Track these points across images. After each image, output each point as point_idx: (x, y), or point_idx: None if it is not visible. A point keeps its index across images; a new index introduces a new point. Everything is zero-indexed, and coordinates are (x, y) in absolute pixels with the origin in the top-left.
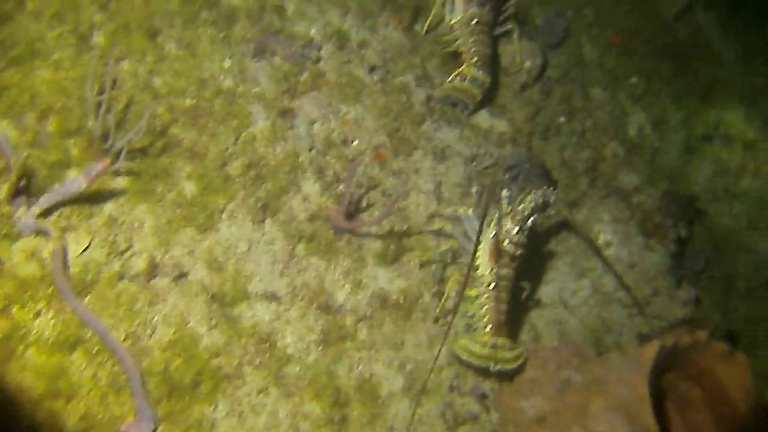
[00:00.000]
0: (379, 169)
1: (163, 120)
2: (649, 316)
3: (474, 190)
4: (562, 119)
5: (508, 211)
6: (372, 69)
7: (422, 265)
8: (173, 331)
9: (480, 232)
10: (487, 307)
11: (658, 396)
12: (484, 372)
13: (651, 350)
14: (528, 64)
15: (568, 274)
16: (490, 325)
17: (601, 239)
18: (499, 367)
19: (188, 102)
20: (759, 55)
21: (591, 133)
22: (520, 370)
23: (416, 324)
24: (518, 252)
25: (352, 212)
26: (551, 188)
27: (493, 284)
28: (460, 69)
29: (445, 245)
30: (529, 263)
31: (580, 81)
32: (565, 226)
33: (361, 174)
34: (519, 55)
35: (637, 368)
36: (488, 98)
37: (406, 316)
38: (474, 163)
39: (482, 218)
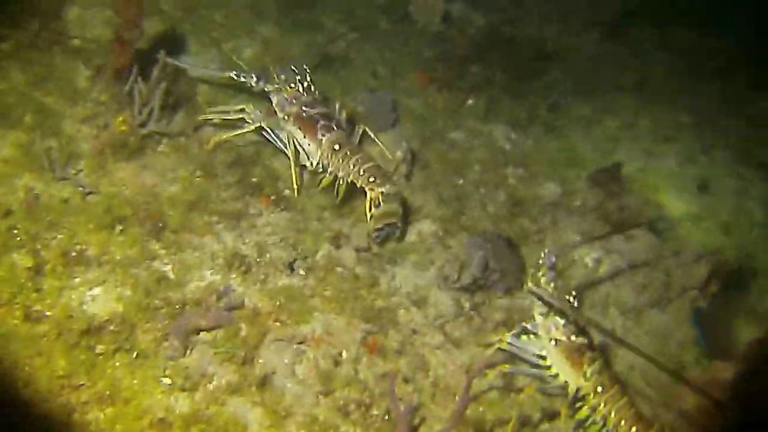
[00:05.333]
0: (382, 359)
1: None
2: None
3: (468, 306)
4: (459, 181)
5: (545, 311)
6: (291, 265)
7: None
8: None
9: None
10: (613, 416)
11: None
12: None
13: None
14: (399, 154)
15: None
16: (633, 429)
17: (589, 261)
18: None
19: None
20: None
21: (486, 173)
22: None
23: None
24: (590, 337)
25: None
26: (546, 251)
27: (599, 388)
28: (368, 198)
29: (524, 393)
30: None
31: (437, 136)
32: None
33: (373, 381)
34: (386, 150)
35: None
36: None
37: None
38: (449, 283)
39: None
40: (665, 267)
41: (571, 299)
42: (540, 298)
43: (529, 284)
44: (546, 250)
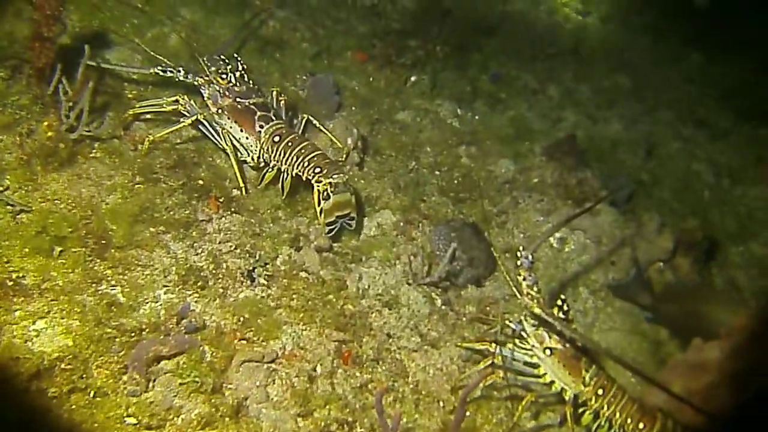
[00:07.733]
0: (358, 370)
1: None
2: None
3: (440, 302)
4: (413, 165)
5: (536, 322)
6: (251, 274)
7: None
8: None
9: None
10: (618, 416)
11: None
12: None
13: None
14: (350, 141)
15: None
16: (641, 425)
17: (553, 242)
18: None
19: None
20: None
21: (439, 155)
22: None
23: None
24: (582, 342)
25: None
26: (524, 251)
27: (600, 391)
28: (315, 191)
29: (522, 406)
30: None
31: (385, 118)
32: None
33: (352, 394)
34: (334, 138)
35: None
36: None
37: None
38: (419, 279)
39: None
40: (630, 241)
41: (560, 302)
42: (540, 320)
43: (534, 308)
44: (521, 249)
